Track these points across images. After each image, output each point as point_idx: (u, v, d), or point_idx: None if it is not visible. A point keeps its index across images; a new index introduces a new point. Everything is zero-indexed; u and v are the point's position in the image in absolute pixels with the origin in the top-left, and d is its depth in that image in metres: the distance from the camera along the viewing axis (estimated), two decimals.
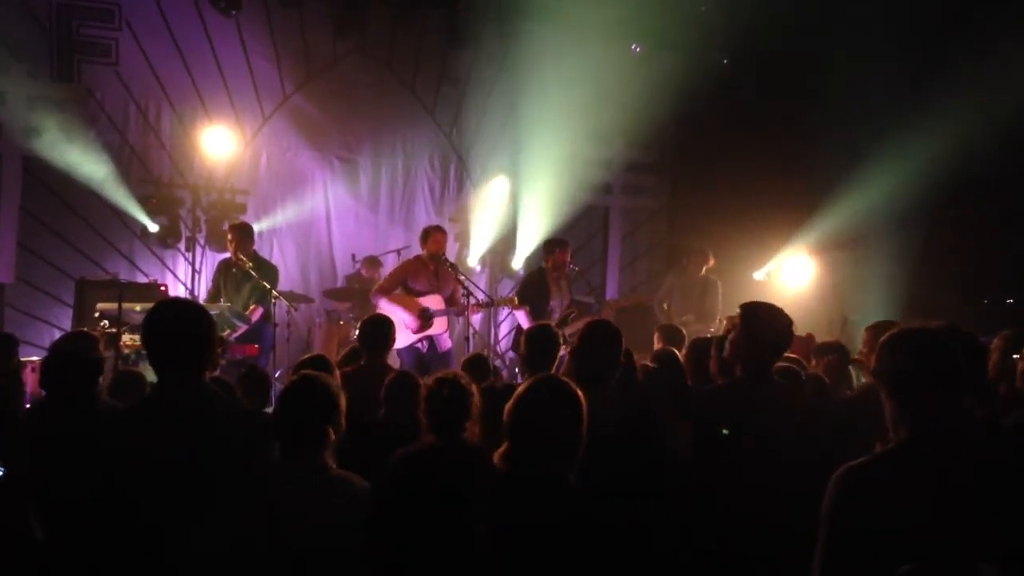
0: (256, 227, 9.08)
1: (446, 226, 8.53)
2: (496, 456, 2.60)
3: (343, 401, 2.73)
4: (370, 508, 2.63)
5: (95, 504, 2.62)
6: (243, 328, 7.04)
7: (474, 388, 3.23)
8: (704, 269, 8.80)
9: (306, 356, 4.40)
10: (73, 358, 3.51)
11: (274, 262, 8.31)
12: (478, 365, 4.59)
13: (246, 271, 7.15)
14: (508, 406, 2.61)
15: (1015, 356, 3.75)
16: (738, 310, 3.37)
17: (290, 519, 2.50)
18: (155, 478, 2.53)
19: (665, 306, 8.82)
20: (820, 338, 6.30)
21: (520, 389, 2.66)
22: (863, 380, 5.08)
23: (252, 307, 7.22)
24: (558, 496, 2.51)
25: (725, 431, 3.17)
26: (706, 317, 8.52)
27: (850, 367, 5.12)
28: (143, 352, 6.49)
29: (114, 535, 2.53)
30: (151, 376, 4.42)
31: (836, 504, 2.09)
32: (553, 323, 7.19)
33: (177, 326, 2.73)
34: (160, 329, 2.75)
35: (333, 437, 2.66)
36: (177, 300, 3.41)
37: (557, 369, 4.53)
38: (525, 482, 2.53)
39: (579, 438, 2.57)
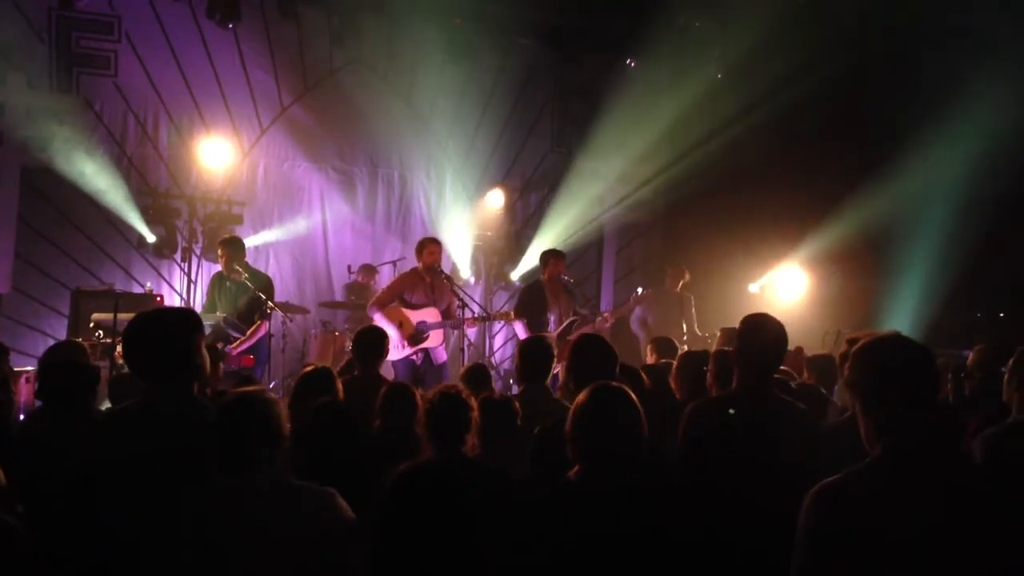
0: (253, 238, 9.16)
1: (441, 238, 8.57)
2: (571, 473, 2.62)
3: (283, 419, 2.54)
4: (335, 517, 2.48)
5: (73, 509, 2.64)
6: (240, 339, 7.02)
7: (473, 401, 3.22)
8: (680, 284, 8.89)
9: (309, 368, 4.39)
10: (72, 367, 3.52)
11: (270, 273, 8.33)
12: (478, 376, 4.60)
13: (241, 283, 7.15)
14: (575, 418, 2.63)
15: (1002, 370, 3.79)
16: (737, 324, 3.40)
17: (225, 533, 2.37)
18: (124, 484, 2.55)
19: (642, 321, 8.88)
20: (812, 351, 6.32)
21: (579, 399, 2.68)
22: None
23: (257, 322, 7.18)
24: (626, 501, 2.54)
25: (731, 410, 3.20)
26: (682, 330, 8.63)
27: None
28: None
29: (96, 541, 2.55)
30: None
31: (811, 522, 2.04)
32: (552, 334, 7.25)
33: (152, 340, 2.74)
34: (134, 343, 2.76)
35: (281, 448, 2.51)
36: (158, 311, 3.34)
37: (553, 382, 4.55)
38: (594, 489, 2.55)
39: (640, 441, 2.62)
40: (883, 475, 2.06)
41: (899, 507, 2.00)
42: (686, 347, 7.49)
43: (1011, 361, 3.39)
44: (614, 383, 2.76)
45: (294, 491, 2.50)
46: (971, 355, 3.95)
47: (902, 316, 8.64)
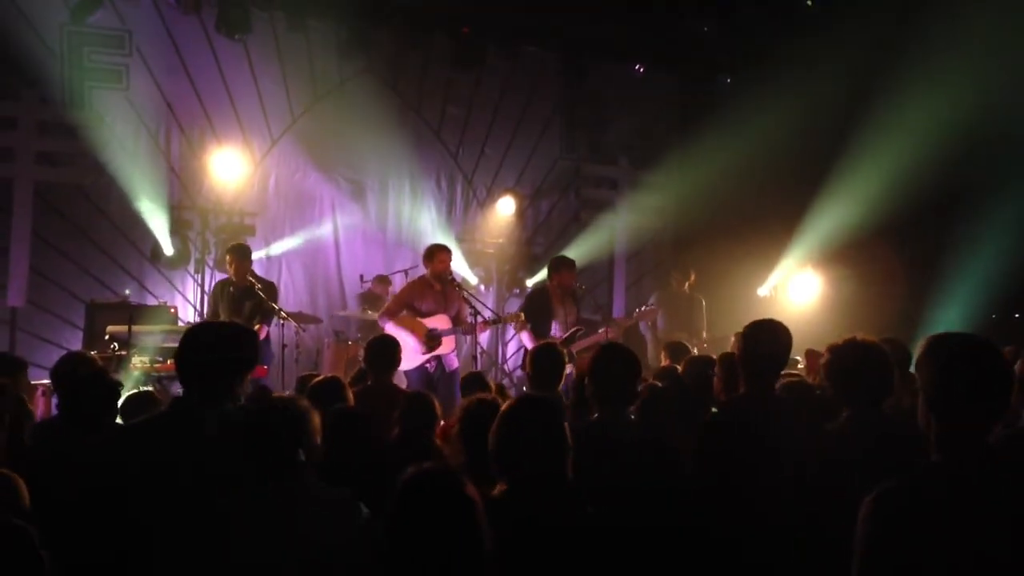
0: (265, 249, 9.20)
1: (452, 245, 8.56)
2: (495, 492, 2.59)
3: (315, 422, 2.61)
4: (360, 522, 2.52)
5: (101, 520, 2.65)
6: None
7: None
8: (687, 285, 8.84)
9: (319, 378, 4.41)
10: (99, 380, 3.53)
11: (283, 283, 8.40)
12: (476, 383, 4.61)
13: (245, 289, 7.19)
14: (492, 429, 2.63)
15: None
16: (742, 329, 3.41)
17: (262, 540, 2.42)
18: (151, 492, 2.58)
19: (651, 324, 8.84)
20: None
21: (502, 410, 2.69)
22: None
23: (257, 326, 7.23)
24: (556, 511, 2.51)
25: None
26: (696, 334, 8.58)
27: None
28: (152, 374, 6.58)
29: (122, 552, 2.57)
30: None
31: (871, 528, 1.94)
32: (557, 341, 7.23)
33: (197, 350, 2.83)
34: (181, 352, 2.87)
35: (314, 456, 2.57)
36: (205, 324, 3.46)
37: (564, 387, 4.55)
38: (521, 502, 2.53)
39: (562, 451, 2.58)
40: (945, 481, 1.97)
41: (963, 515, 1.91)
42: (695, 351, 7.44)
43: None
44: (540, 396, 2.75)
45: (320, 495, 2.55)
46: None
47: (917, 319, 8.59)
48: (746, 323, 3.46)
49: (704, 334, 8.61)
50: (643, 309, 8.67)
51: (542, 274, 10.26)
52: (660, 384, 4.60)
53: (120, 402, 4.44)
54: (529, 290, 10.16)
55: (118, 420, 3.86)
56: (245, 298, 7.26)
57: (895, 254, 9.17)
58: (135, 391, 5.10)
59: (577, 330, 7.50)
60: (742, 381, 3.30)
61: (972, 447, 1.98)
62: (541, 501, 2.51)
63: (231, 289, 7.35)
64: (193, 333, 2.96)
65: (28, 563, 2.13)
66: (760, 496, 3.02)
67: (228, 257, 7.46)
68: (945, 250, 8.70)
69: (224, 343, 2.85)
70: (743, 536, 3.00)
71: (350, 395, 4.23)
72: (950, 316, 8.44)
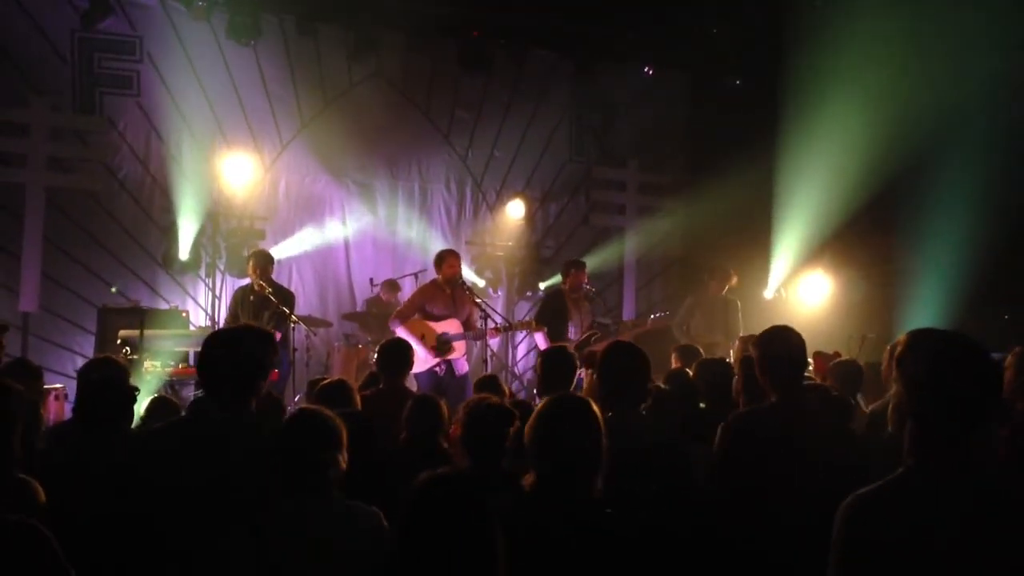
0: (275, 253, 9.19)
1: (463, 249, 8.56)
2: (525, 479, 2.58)
3: (344, 434, 2.63)
4: (384, 536, 2.51)
5: (119, 525, 2.66)
6: None
7: (515, 413, 3.12)
8: (726, 288, 8.44)
9: (326, 381, 4.41)
10: (117, 385, 3.54)
11: (293, 287, 8.43)
12: (491, 386, 4.60)
13: (264, 297, 7.24)
14: (528, 424, 2.61)
15: None
16: (755, 331, 3.40)
17: (293, 555, 2.42)
18: (171, 496, 2.60)
19: (685, 327, 8.67)
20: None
21: (539, 407, 2.66)
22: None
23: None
24: (585, 511, 2.50)
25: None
26: (731, 337, 8.38)
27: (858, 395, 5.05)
28: (164, 379, 6.61)
29: (138, 558, 2.58)
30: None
31: (844, 533, 1.92)
32: (572, 344, 7.22)
33: (215, 356, 2.87)
34: (202, 358, 2.91)
35: (342, 468, 2.58)
36: (224, 331, 3.46)
37: (575, 390, 4.54)
38: (551, 499, 2.51)
39: (599, 451, 2.56)
40: (914, 488, 1.91)
41: (929, 522, 1.87)
42: (732, 353, 7.34)
43: None
44: (579, 396, 2.71)
45: (351, 510, 2.55)
46: (1008, 358, 3.83)
47: (926, 319, 8.54)
48: (754, 326, 3.46)
49: (741, 334, 8.31)
50: (656, 316, 8.49)
51: (553, 278, 10.28)
52: (667, 387, 4.59)
53: (144, 407, 4.49)
54: (542, 293, 10.17)
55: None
56: (264, 306, 7.32)
57: (902, 250, 9.10)
58: (157, 396, 5.13)
59: (592, 334, 7.48)
60: (768, 388, 3.26)
61: (952, 453, 1.90)
62: (567, 499, 2.51)
63: (251, 297, 7.40)
64: (218, 338, 2.99)
65: (42, 562, 2.14)
66: (785, 503, 3.01)
67: (251, 263, 7.52)
68: (956, 252, 8.64)
69: (248, 349, 2.88)
70: (763, 544, 2.98)
71: (357, 398, 4.24)
72: (954, 315, 8.38)
